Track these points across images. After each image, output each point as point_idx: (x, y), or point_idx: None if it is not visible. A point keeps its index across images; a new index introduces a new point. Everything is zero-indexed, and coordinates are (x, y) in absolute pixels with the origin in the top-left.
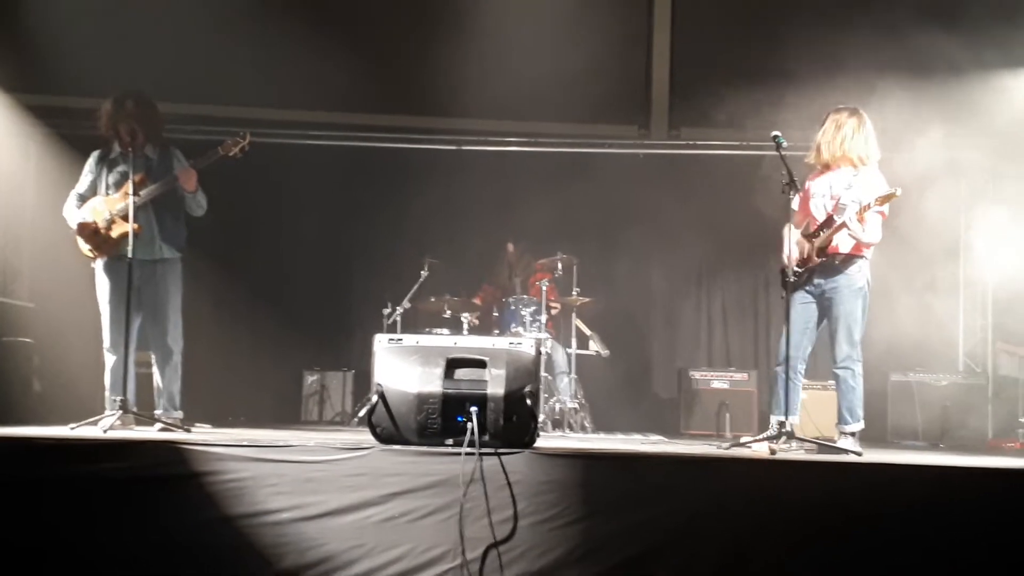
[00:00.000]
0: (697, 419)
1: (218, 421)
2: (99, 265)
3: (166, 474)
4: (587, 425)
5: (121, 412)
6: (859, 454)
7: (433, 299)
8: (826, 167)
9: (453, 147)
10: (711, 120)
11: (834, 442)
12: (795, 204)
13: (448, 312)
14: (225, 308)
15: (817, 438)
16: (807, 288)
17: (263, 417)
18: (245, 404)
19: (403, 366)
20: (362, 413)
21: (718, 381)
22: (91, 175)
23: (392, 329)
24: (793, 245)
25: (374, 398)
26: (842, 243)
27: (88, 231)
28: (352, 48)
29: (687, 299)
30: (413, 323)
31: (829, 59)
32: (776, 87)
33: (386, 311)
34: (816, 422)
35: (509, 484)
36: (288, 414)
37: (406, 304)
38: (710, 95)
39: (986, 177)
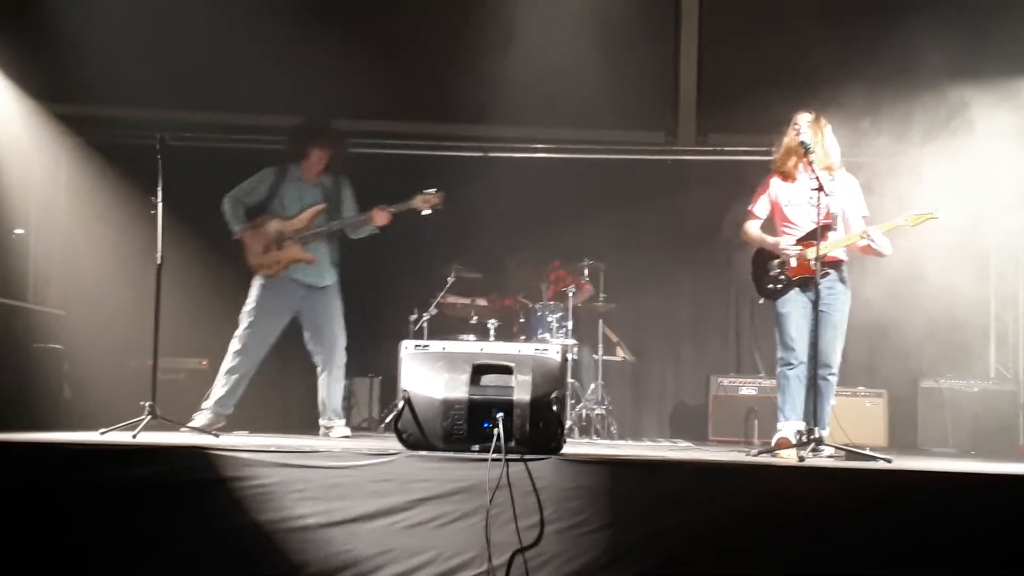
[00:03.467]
0: (725, 426)
1: (246, 427)
2: (260, 281)
3: (194, 479)
4: (614, 431)
5: (150, 418)
6: (889, 460)
7: (459, 305)
8: (790, 174)
9: (480, 154)
10: (739, 126)
11: (864, 448)
12: (759, 209)
13: (475, 318)
14: None
15: (847, 445)
16: (804, 294)
17: (290, 423)
18: (273, 410)
19: (429, 372)
20: (389, 419)
21: (746, 388)
22: (264, 191)
23: (419, 335)
24: (776, 238)
25: (400, 404)
26: (839, 251)
27: (261, 247)
28: (379, 56)
29: (715, 305)
30: (440, 329)
31: (858, 64)
32: (804, 92)
33: (413, 317)
34: (845, 429)
35: (535, 490)
36: (315, 420)
37: (433, 310)
38: (738, 101)
39: (1018, 181)
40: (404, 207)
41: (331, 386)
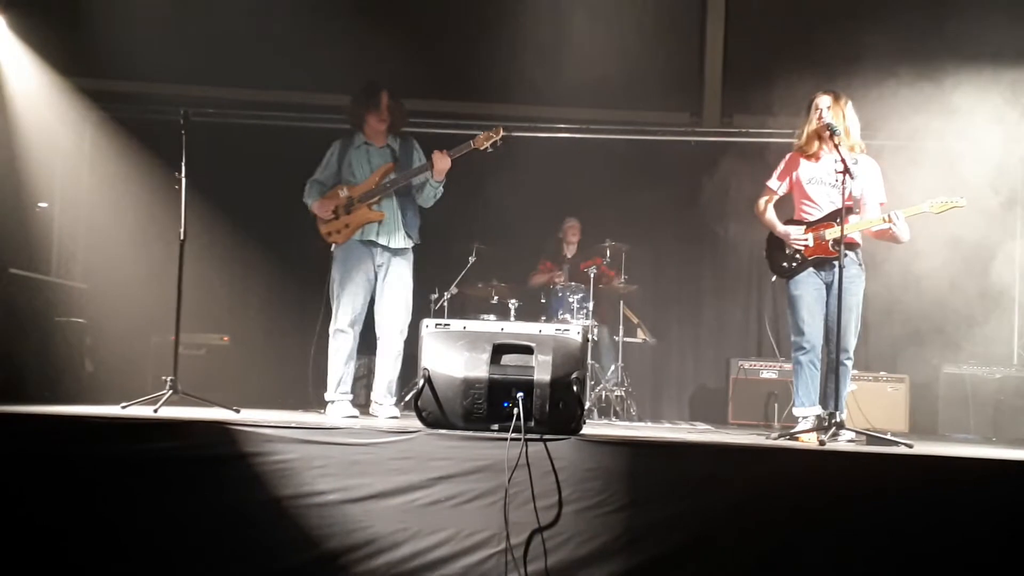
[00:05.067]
0: (745, 409)
1: (266, 403)
2: (339, 249)
3: (214, 454)
4: (633, 413)
5: (172, 393)
6: (910, 446)
7: (480, 285)
8: (814, 154)
9: (503, 133)
10: (764, 107)
11: (885, 433)
12: (779, 187)
13: (495, 298)
14: (275, 292)
15: (867, 430)
16: (818, 275)
17: (310, 400)
18: (293, 387)
19: (450, 351)
20: (408, 397)
21: (767, 371)
22: (335, 164)
23: (439, 314)
24: (787, 228)
25: (420, 382)
26: (856, 234)
27: (328, 212)
28: (403, 33)
29: (737, 288)
30: (460, 309)
31: (886, 46)
32: (831, 74)
33: (433, 296)
34: (867, 414)
35: (554, 470)
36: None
37: (453, 289)
38: (763, 82)
39: None
40: (465, 149)
41: (388, 361)
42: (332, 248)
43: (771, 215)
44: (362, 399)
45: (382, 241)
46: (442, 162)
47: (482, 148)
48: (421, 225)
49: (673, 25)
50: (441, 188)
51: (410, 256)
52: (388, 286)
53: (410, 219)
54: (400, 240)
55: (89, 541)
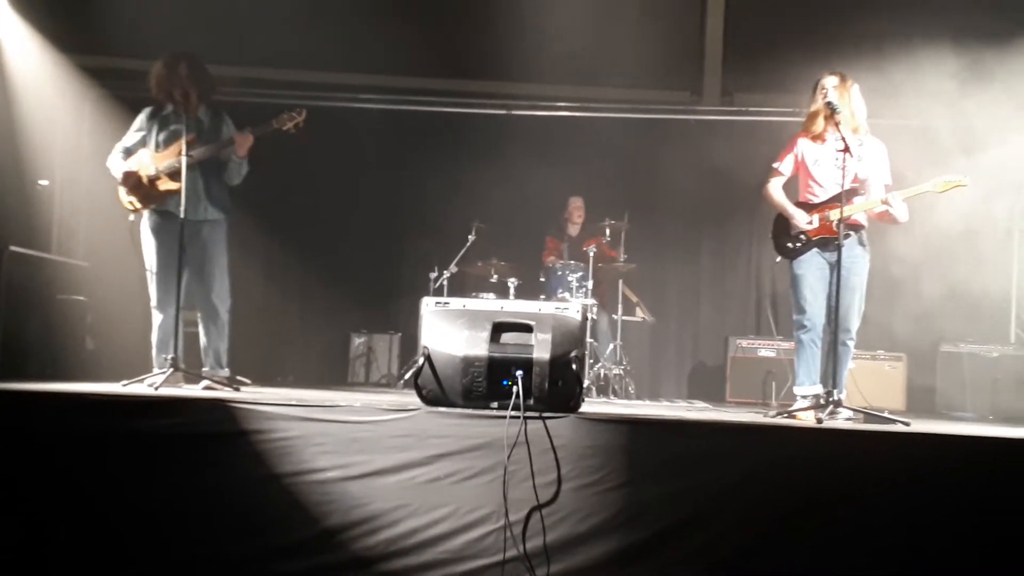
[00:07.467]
0: (742, 387)
1: (267, 381)
2: (144, 223)
3: (215, 431)
4: (631, 391)
5: (172, 370)
6: (907, 424)
7: (480, 263)
8: (819, 135)
9: (503, 111)
10: (765, 86)
11: (882, 411)
12: (784, 167)
13: (495, 276)
14: (275, 269)
15: (865, 408)
16: (823, 255)
17: (311, 378)
18: (293, 364)
19: (450, 329)
20: (408, 375)
21: (765, 349)
22: (142, 132)
23: (439, 293)
24: (796, 209)
25: (421, 360)
26: (861, 215)
27: (132, 182)
28: (402, 11)
29: (736, 267)
30: (460, 287)
31: (886, 26)
32: (830, 52)
33: (433, 275)
34: (864, 392)
35: (553, 448)
36: (335, 375)
37: (453, 268)
38: (764, 60)
39: None
40: (267, 128)
41: (212, 332)
42: (131, 218)
43: (780, 196)
44: (361, 377)
45: (183, 214)
46: (243, 140)
47: (284, 129)
48: (231, 192)
49: (673, 2)
50: (245, 165)
51: (221, 227)
52: (193, 258)
53: (215, 192)
54: (202, 212)
55: (88, 517)
